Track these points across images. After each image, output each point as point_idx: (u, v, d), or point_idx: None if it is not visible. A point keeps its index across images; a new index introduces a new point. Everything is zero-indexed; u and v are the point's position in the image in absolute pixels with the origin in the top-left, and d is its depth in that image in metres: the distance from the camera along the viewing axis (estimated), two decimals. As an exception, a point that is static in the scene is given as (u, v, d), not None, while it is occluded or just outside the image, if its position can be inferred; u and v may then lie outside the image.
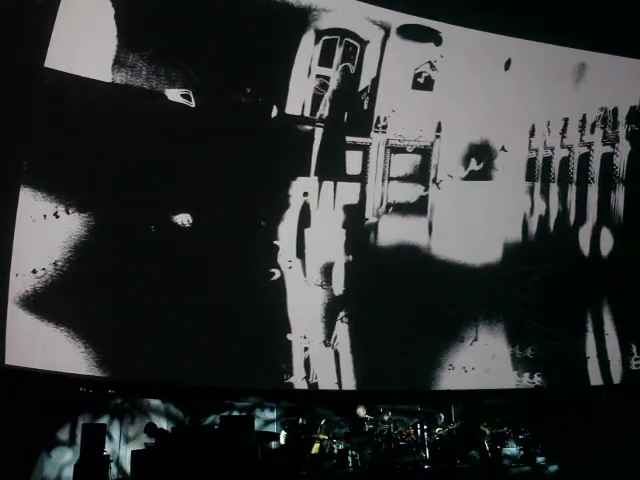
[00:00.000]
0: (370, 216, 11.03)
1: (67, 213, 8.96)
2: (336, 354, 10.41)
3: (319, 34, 10.66)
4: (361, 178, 11.02)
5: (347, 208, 10.90)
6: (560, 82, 12.38)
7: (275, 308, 10.20)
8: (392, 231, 11.13)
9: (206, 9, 9.96)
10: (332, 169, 10.84)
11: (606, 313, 12.16)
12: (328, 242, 10.74)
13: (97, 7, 9.24)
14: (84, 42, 9.13)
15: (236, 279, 9.90)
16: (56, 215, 8.89)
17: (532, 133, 12.22)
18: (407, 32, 11.23)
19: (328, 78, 10.77)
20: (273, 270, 10.20)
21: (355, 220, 10.93)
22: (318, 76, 10.70)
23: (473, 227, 11.62)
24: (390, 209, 11.15)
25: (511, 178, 12.10)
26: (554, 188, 12.28)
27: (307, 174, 10.66)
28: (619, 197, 12.63)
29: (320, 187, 10.71)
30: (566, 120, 12.38)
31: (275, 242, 10.30)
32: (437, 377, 10.92)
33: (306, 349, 10.21)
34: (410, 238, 11.24)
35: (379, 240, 11.04)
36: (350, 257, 10.78)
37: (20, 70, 8.69)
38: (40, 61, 8.82)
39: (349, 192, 10.93)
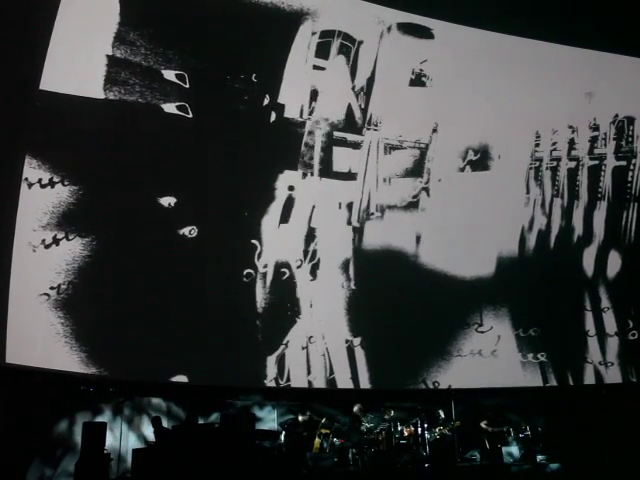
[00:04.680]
0: (359, 215, 10.84)
1: (67, 240, 8.93)
2: (309, 354, 10.21)
3: (315, 27, 10.65)
4: (351, 176, 10.87)
5: (336, 205, 10.74)
6: (570, 86, 11.83)
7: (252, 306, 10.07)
8: (379, 232, 10.89)
9: (205, 13, 10.02)
10: (321, 165, 10.69)
11: (603, 293, 11.89)
12: (315, 238, 10.52)
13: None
14: (78, 61, 9.14)
15: (228, 277, 9.93)
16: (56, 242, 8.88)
17: (536, 140, 11.72)
18: (404, 30, 11.17)
19: (322, 71, 10.74)
20: (249, 271, 10.03)
21: (343, 217, 10.75)
22: (313, 69, 10.68)
23: (465, 237, 11.21)
24: (379, 209, 10.94)
25: (510, 187, 11.63)
26: (557, 202, 11.74)
27: (294, 168, 10.53)
28: (632, 216, 12.01)
29: (307, 182, 10.54)
30: (575, 129, 11.84)
31: (256, 237, 10.13)
32: (446, 363, 10.83)
33: (283, 349, 10.04)
34: (398, 241, 10.98)
35: (366, 240, 10.81)
36: (340, 255, 10.64)
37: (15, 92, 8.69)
38: (35, 83, 8.80)
39: (338, 189, 10.75)
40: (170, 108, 9.74)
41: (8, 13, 8.56)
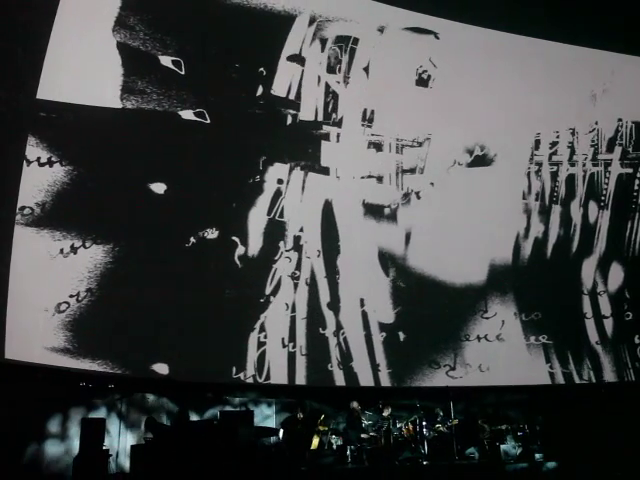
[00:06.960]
0: (354, 212, 10.79)
1: (85, 247, 9.00)
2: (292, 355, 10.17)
3: (315, 24, 10.69)
4: (343, 173, 10.79)
5: (331, 201, 10.66)
6: (574, 87, 11.60)
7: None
8: (373, 230, 10.82)
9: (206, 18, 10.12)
10: (312, 160, 10.63)
11: (599, 277, 11.71)
12: (304, 233, 10.48)
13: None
14: (89, 71, 9.22)
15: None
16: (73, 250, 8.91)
17: (537, 143, 11.47)
18: (405, 29, 11.15)
19: (320, 66, 10.78)
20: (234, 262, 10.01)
21: (340, 215, 10.68)
22: (311, 65, 10.70)
23: (457, 242, 11.03)
24: (375, 207, 10.86)
25: (506, 192, 11.40)
26: (556, 209, 11.47)
27: (284, 161, 10.45)
28: (637, 227, 11.68)
29: (296, 176, 10.49)
30: (578, 132, 11.58)
31: (243, 230, 10.10)
32: (456, 350, 10.89)
33: (262, 346, 10.02)
34: (383, 243, 10.86)
35: (359, 237, 10.75)
36: (325, 252, 10.57)
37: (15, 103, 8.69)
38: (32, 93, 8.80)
39: (327, 186, 10.68)
40: (185, 112, 9.85)
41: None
